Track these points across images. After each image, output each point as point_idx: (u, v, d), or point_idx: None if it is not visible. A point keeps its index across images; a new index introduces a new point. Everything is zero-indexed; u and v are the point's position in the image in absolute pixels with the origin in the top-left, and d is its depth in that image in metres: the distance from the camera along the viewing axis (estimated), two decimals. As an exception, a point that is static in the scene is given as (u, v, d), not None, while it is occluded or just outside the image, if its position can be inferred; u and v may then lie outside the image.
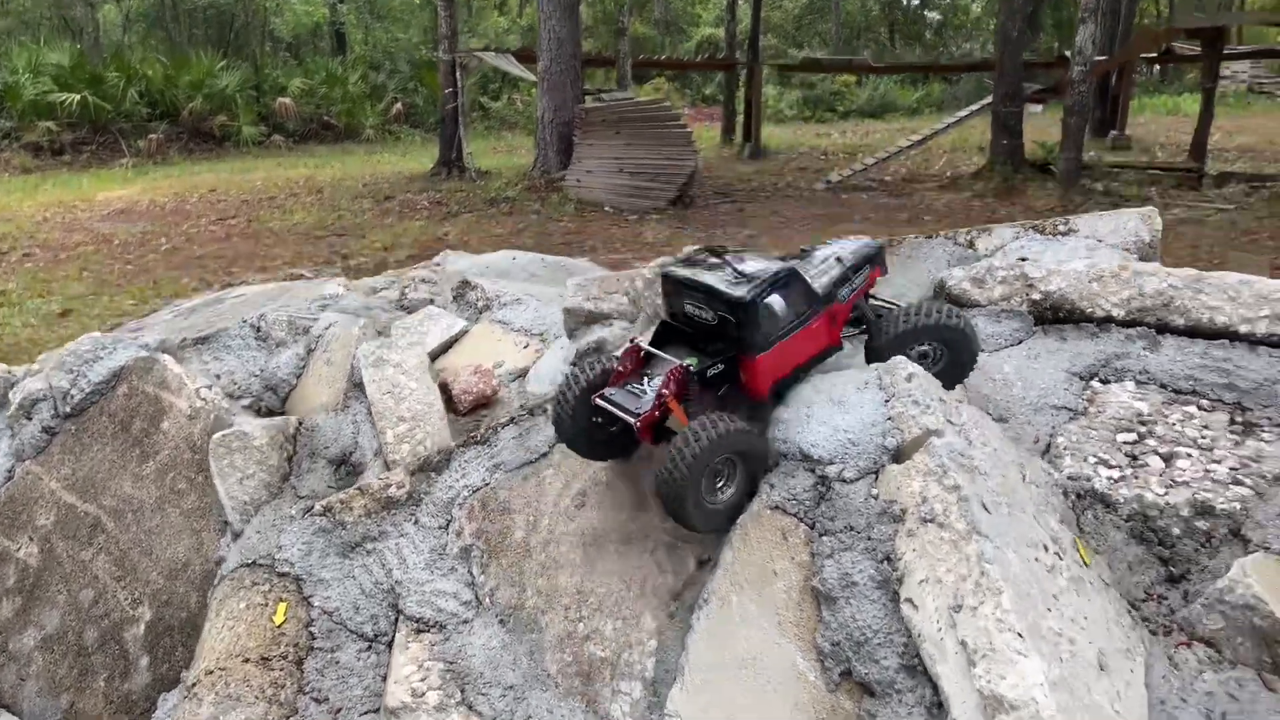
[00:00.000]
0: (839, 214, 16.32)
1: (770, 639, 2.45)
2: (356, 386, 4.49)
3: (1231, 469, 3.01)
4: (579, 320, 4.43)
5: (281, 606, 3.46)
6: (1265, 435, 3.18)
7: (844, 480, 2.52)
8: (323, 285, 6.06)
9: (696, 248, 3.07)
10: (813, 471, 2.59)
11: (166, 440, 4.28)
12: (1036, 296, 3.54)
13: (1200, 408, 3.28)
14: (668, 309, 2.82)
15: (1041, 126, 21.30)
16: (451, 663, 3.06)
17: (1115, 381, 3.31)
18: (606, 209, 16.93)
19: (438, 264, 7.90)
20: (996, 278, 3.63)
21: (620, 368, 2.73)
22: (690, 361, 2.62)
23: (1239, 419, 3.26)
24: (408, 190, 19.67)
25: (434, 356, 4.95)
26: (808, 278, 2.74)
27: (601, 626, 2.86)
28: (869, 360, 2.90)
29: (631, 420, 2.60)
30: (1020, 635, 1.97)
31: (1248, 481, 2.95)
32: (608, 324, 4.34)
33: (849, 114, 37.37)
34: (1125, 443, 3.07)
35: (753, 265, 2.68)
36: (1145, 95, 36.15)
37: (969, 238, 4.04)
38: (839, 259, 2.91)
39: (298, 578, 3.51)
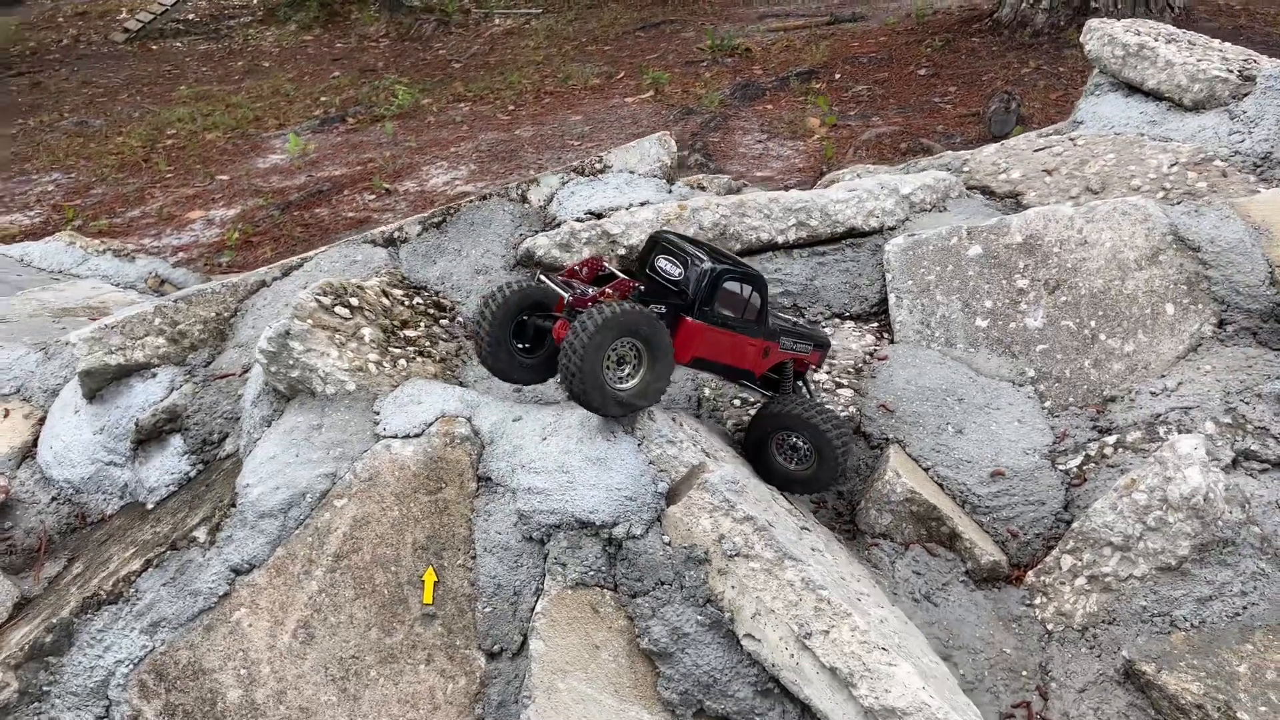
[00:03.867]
0: (165, 73, 14.46)
1: (613, 709, 2.51)
2: None
3: (825, 372, 3.64)
4: (104, 380, 3.60)
5: None
6: (826, 330, 3.86)
7: (634, 538, 2.57)
8: None
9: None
10: (597, 536, 2.59)
11: None
12: (622, 251, 3.73)
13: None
14: (639, 263, 2.92)
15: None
16: None
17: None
18: None
19: None
20: (581, 240, 3.73)
21: (575, 267, 2.89)
22: (641, 288, 2.78)
23: (800, 320, 3.89)
24: None
25: (-122, 470, 3.67)
26: (770, 305, 2.96)
27: (400, 758, 2.63)
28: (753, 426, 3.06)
29: (564, 295, 2.68)
30: (884, 649, 2.31)
31: (844, 381, 3.60)
32: (149, 375, 3.60)
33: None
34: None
35: (733, 260, 2.90)
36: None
37: (520, 191, 4.03)
38: (796, 322, 3.16)
39: None
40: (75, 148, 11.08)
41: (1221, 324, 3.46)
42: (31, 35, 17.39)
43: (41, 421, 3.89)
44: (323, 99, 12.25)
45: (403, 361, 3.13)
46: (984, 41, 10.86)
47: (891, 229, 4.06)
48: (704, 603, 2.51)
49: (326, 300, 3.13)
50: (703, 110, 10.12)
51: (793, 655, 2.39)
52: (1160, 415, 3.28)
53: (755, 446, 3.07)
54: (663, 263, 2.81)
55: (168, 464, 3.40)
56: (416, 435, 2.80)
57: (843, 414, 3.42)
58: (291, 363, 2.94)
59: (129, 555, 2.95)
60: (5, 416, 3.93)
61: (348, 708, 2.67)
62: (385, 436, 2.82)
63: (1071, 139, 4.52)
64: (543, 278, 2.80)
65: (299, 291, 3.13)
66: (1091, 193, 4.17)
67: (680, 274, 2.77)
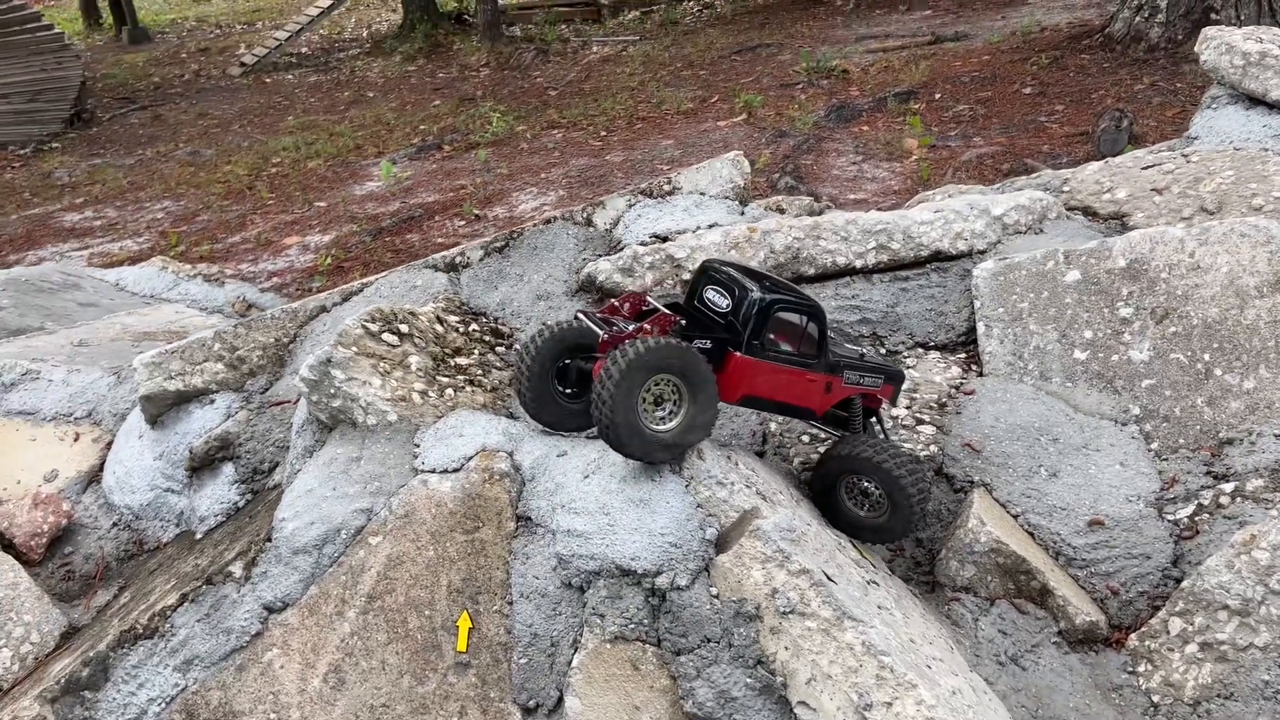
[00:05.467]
0: (276, 104, 14.95)
1: (654, 777, 2.30)
2: None
3: (906, 407, 3.37)
4: (164, 405, 3.57)
5: None
6: (906, 361, 3.59)
7: (679, 589, 2.36)
8: None
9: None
10: (639, 585, 2.39)
11: None
12: (686, 277, 3.54)
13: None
14: (686, 294, 2.78)
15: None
16: None
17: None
18: (-19, 146, 13.77)
19: None
20: (645, 264, 3.55)
21: (616, 303, 2.72)
22: (683, 323, 2.60)
23: (881, 350, 3.63)
24: None
25: (-50, 492, 3.71)
26: (830, 335, 2.73)
27: (430, 817, 2.47)
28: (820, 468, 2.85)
29: (600, 333, 2.52)
30: (950, 724, 2.05)
31: (925, 417, 3.33)
32: (207, 401, 3.55)
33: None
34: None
35: (788, 288, 2.70)
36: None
37: (585, 214, 3.89)
38: (863, 355, 2.90)
39: None
40: (186, 176, 11.49)
41: (1358, 359, 3.07)
42: (156, 71, 18.27)
43: (109, 446, 3.89)
44: (421, 126, 12.44)
45: (450, 391, 3.00)
46: (1094, 58, 10.34)
47: (982, 252, 3.76)
48: (754, 664, 2.28)
49: (374, 327, 3.02)
50: (795, 132, 9.89)
51: (850, 727, 2.14)
52: (1287, 461, 2.91)
53: (823, 491, 2.83)
54: (710, 294, 2.62)
55: (218, 493, 3.34)
56: (455, 470, 2.65)
57: (922, 454, 3.15)
58: (333, 392, 2.83)
59: (168, 588, 2.87)
60: (75, 440, 3.95)
61: (377, 759, 2.52)
62: (423, 471, 2.68)
63: (1184, 155, 4.15)
64: (580, 315, 2.63)
65: (347, 319, 3.03)
66: (1206, 213, 3.79)
67: (728, 305, 2.57)
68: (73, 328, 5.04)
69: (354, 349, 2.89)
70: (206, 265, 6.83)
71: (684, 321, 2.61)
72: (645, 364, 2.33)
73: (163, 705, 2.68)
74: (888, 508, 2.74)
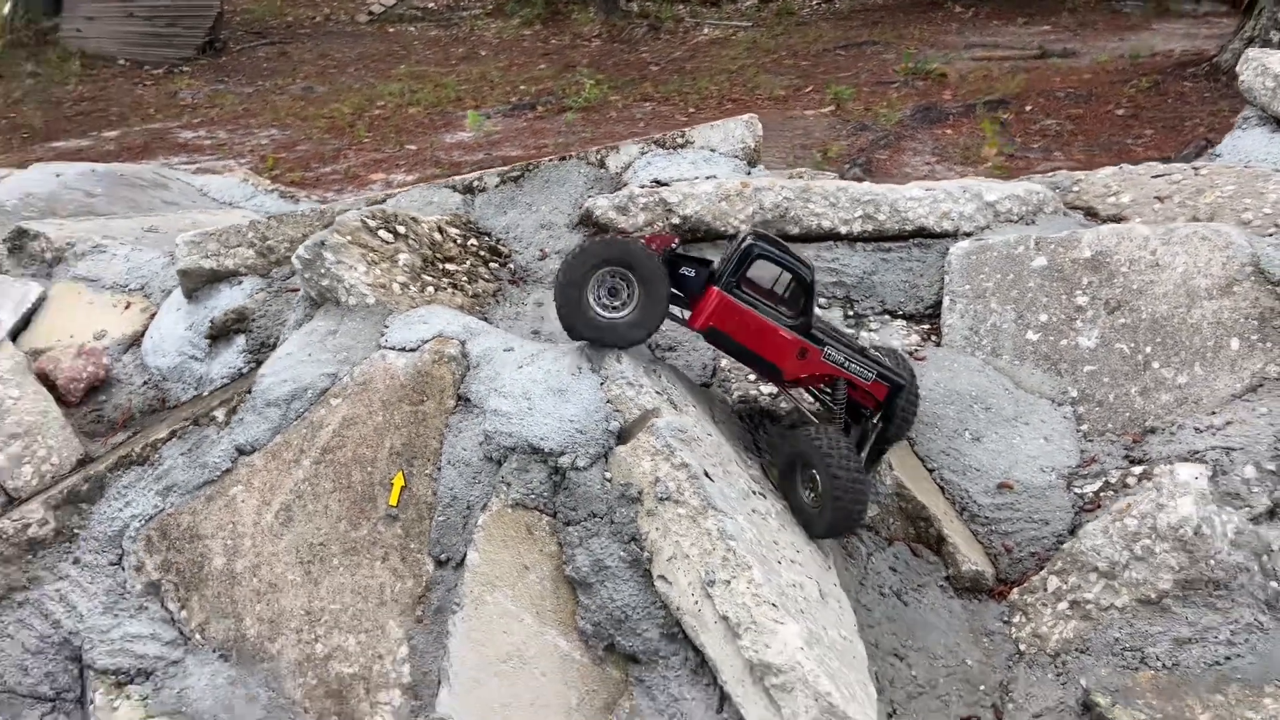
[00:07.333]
0: (393, 52, 15.58)
1: (532, 629, 2.59)
2: (-69, 398, 3.73)
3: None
4: (199, 281, 3.99)
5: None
6: (872, 325, 3.78)
7: (577, 469, 2.64)
8: None
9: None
10: (545, 463, 2.68)
11: None
12: (676, 220, 3.79)
13: (819, 306, 3.78)
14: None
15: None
16: (175, 712, 2.85)
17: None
18: (120, 62, 14.73)
19: (-48, 188, 6.53)
20: (639, 204, 3.82)
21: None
22: (678, 242, 2.94)
23: (850, 312, 3.82)
24: None
25: (13, 337, 4.21)
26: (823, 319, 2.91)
27: (343, 643, 2.81)
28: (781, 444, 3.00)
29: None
30: (774, 605, 2.28)
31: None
32: (236, 282, 3.96)
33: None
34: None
35: (785, 249, 2.90)
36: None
37: (599, 156, 4.17)
38: (865, 348, 3.00)
39: (-60, 658, 3.00)
40: (296, 109, 12.13)
41: (1290, 366, 3.14)
42: (290, 10, 19.13)
43: (153, 316, 4.34)
44: (521, 87, 12.86)
45: (431, 289, 3.33)
46: (1196, 86, 10.11)
47: (969, 234, 3.91)
48: (629, 540, 2.55)
49: (372, 223, 3.36)
50: (877, 128, 9.96)
51: (696, 601, 2.39)
52: (1198, 452, 3.02)
53: (787, 466, 2.93)
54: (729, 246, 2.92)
55: (228, 359, 3.75)
56: (412, 350, 2.98)
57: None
58: (323, 271, 3.19)
59: (162, 426, 3.28)
60: (126, 308, 4.41)
61: (308, 590, 2.87)
62: (385, 347, 3.01)
63: (1194, 168, 4.21)
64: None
65: (350, 211, 3.38)
66: (1196, 222, 3.86)
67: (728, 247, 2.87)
68: (148, 216, 5.56)
69: (348, 238, 3.23)
70: (284, 186, 7.32)
71: (678, 242, 2.91)
72: (593, 252, 2.69)
73: (142, 522, 3.09)
74: (824, 504, 2.78)
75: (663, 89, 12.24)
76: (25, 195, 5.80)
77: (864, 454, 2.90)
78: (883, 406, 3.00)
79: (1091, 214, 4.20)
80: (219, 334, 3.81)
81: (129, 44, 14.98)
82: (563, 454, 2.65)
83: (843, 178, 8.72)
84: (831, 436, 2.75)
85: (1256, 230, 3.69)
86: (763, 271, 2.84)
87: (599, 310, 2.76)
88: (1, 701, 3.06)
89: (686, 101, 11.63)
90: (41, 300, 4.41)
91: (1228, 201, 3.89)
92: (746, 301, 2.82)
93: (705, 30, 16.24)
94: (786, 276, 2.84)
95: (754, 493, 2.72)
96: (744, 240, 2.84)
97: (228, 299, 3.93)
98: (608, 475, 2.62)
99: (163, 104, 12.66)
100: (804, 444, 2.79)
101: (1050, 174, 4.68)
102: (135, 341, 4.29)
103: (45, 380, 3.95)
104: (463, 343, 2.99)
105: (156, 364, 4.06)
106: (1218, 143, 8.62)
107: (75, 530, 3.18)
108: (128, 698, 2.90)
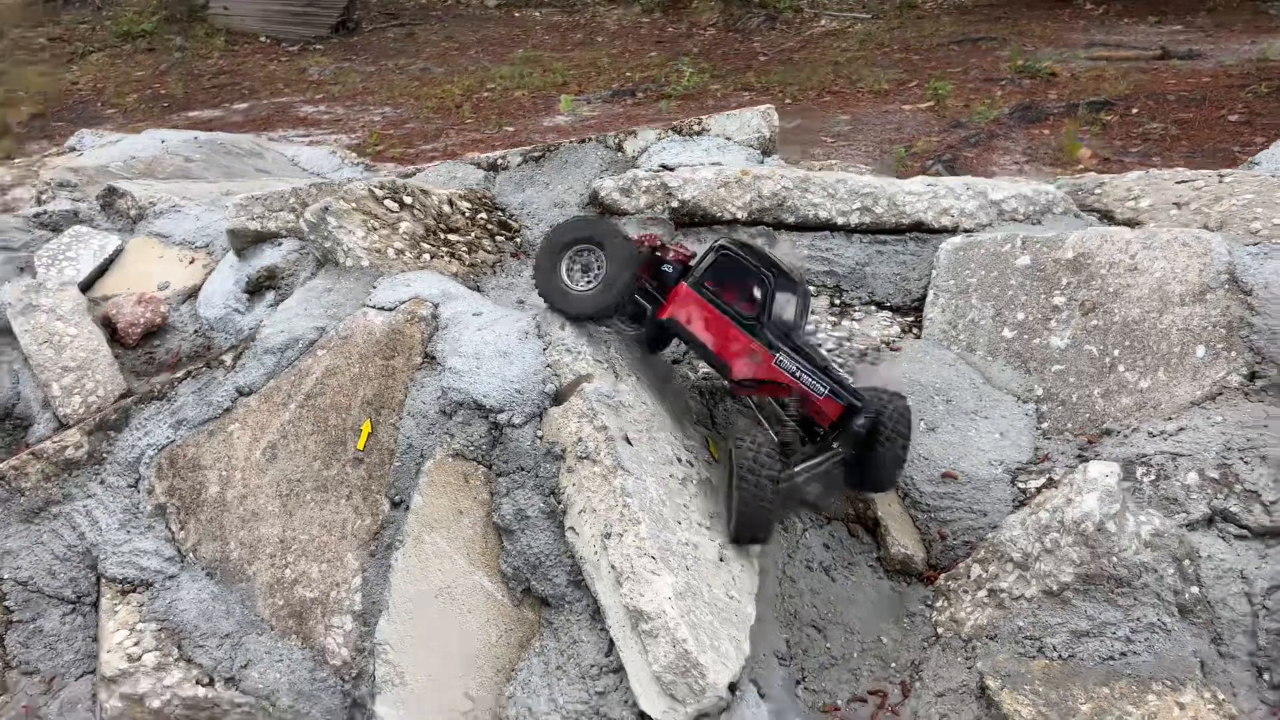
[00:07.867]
0: (514, 36, 16.07)
1: (462, 569, 2.82)
2: (4, 333, 4.22)
3: (830, 351, 3.66)
4: (245, 240, 4.37)
5: (-31, 589, 3.40)
6: (856, 314, 3.85)
7: (513, 425, 2.86)
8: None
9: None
10: (486, 419, 2.91)
11: None
12: (675, 204, 3.95)
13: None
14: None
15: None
16: (164, 620, 3.20)
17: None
18: (262, 39, 15.66)
19: (74, 149, 7.21)
20: (641, 188, 3.99)
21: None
22: (664, 240, 3.19)
23: (837, 301, 3.91)
24: (19, 23, 17.04)
25: (89, 284, 4.70)
26: (785, 319, 2.99)
27: (308, 570, 3.10)
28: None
29: None
30: (653, 558, 2.45)
31: (843, 361, 3.61)
32: (277, 243, 4.32)
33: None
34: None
35: (764, 257, 3.03)
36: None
37: (617, 140, 4.36)
38: (829, 366, 3.01)
39: (-20, 555, 3.44)
40: (410, 89, 12.70)
41: (1252, 376, 3.09)
42: (423, -7, 19.84)
43: (211, 272, 4.77)
44: (627, 74, 13.11)
45: (427, 256, 3.59)
46: (1321, 93, 9.56)
47: (968, 231, 3.94)
48: (549, 493, 2.75)
49: (380, 193, 3.65)
50: (971, 125, 9.79)
51: (596, 552, 2.58)
52: (1145, 456, 3.01)
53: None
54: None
55: (258, 312, 4.11)
56: (390, 310, 3.24)
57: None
58: (326, 234, 3.49)
59: (183, 368, 3.65)
60: (190, 263, 4.85)
61: (283, 520, 3.17)
62: (367, 305, 3.29)
63: (1219, 174, 4.10)
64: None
65: (359, 181, 3.67)
66: (1207, 230, 3.79)
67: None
68: (231, 181, 6.04)
69: (353, 205, 3.52)
70: (369, 160, 7.76)
71: (661, 243, 3.14)
72: (565, 230, 2.99)
73: (156, 451, 3.45)
74: (730, 508, 2.81)
75: (765, 79, 12.29)
76: (129, 159, 6.38)
77: (803, 471, 2.88)
78: (838, 426, 2.96)
79: (1108, 217, 4.15)
80: (254, 289, 4.18)
81: (270, 21, 15.92)
82: (501, 411, 2.88)
83: (923, 172, 8.65)
84: (753, 448, 2.69)
85: (1263, 239, 3.61)
86: (734, 276, 2.99)
87: (568, 283, 2.99)
88: (30, 600, 3.49)
89: (785, 92, 11.65)
90: (119, 252, 4.90)
91: (1240, 210, 3.80)
92: (709, 299, 2.98)
93: (823, 21, 16.14)
94: (750, 278, 2.98)
95: (679, 460, 2.88)
96: (716, 242, 3.01)
97: (269, 258, 4.30)
98: (539, 433, 2.83)
99: (291, 79, 13.43)
100: (732, 447, 2.78)
101: (1077, 175, 4.61)
102: (193, 294, 4.72)
103: (108, 324, 4.41)
104: (435, 305, 3.24)
105: (206, 314, 4.47)
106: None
107: (104, 454, 3.57)
108: (128, 604, 3.27)
